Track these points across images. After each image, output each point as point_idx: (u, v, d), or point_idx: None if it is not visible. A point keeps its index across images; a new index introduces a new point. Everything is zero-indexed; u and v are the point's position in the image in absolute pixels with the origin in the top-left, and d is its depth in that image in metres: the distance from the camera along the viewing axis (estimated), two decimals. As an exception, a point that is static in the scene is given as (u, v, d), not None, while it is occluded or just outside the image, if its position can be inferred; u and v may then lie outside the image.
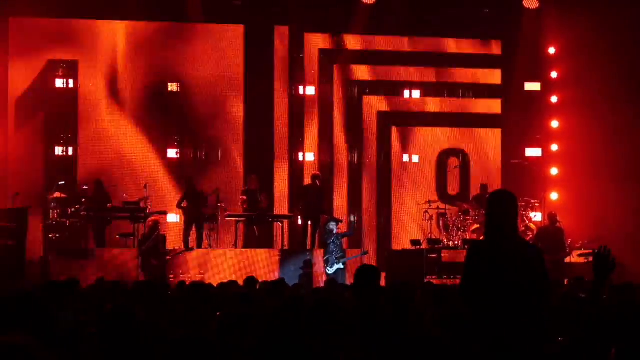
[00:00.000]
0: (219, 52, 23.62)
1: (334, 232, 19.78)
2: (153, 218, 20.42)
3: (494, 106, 24.83)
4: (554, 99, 24.44)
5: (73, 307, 7.70)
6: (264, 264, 20.38)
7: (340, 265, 19.44)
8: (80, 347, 6.58)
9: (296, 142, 23.93)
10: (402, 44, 24.51)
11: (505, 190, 7.19)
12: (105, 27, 23.06)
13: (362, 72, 24.46)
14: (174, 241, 21.67)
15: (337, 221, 20.61)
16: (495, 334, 6.64)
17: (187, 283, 13.03)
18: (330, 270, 19.42)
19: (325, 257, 19.63)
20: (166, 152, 23.31)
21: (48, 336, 5.99)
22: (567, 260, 20.63)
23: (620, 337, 6.32)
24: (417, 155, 24.56)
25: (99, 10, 22.51)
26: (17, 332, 5.11)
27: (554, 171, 24.28)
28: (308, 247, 21.26)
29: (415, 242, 21.61)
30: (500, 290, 6.71)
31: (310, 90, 24.21)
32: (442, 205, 22.92)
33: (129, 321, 6.46)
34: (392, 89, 24.63)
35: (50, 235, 21.02)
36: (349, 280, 18.21)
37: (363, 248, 21.78)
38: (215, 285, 11.99)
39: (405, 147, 24.52)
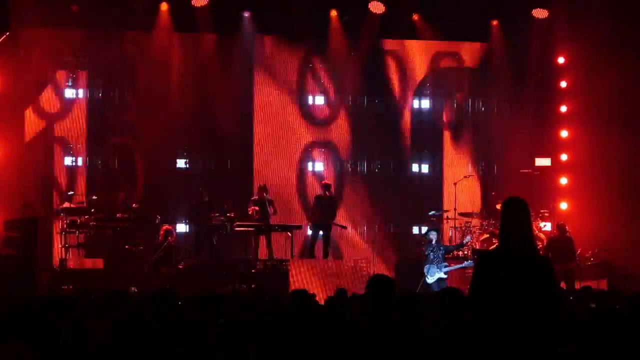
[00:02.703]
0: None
1: (434, 241, 19.57)
2: (165, 227, 20.45)
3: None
4: (563, 109, 24.41)
5: (77, 318, 7.67)
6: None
7: (442, 275, 19.18)
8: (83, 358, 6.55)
9: (307, 152, 23.94)
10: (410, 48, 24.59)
11: (518, 197, 7.12)
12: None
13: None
14: (183, 251, 21.72)
15: (437, 230, 20.35)
16: (504, 343, 6.63)
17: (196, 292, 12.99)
18: (431, 279, 19.16)
19: (426, 267, 19.36)
20: (176, 162, 23.34)
21: (49, 347, 5.99)
22: (576, 269, 20.60)
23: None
24: (426, 165, 24.59)
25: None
26: (17, 342, 5.11)
27: (564, 181, 24.25)
28: (318, 256, 21.26)
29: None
30: (510, 300, 6.69)
31: (320, 100, 24.28)
32: (451, 216, 22.91)
33: (138, 331, 6.46)
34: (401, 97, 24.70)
35: (60, 246, 21.10)
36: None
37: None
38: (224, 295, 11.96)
39: (415, 157, 24.54)
